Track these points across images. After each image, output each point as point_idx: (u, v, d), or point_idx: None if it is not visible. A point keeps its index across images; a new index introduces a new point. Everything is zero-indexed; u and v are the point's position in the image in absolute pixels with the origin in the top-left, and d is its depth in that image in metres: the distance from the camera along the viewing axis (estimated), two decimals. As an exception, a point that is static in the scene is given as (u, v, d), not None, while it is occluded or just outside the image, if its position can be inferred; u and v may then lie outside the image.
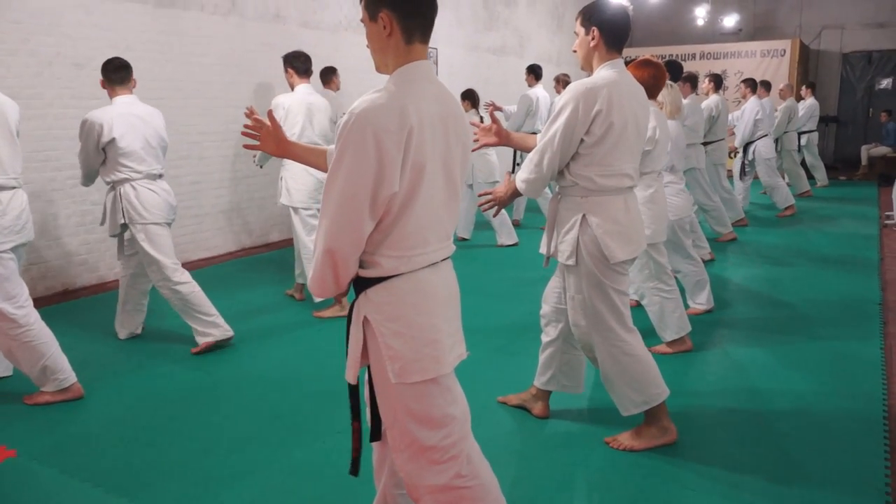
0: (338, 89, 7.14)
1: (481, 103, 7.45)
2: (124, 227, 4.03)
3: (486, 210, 3.02)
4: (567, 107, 2.65)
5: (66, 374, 3.45)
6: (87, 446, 3.04)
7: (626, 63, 2.89)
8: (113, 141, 3.80)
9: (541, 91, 8.01)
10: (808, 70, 13.27)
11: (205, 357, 4.04)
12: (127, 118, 3.85)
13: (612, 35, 2.73)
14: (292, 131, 4.66)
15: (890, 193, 8.44)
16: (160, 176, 4.04)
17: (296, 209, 4.83)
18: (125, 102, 3.91)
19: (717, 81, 7.47)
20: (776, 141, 9.23)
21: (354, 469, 1.93)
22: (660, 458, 2.87)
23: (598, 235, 2.72)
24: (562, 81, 8.26)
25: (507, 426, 3.18)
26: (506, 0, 11.13)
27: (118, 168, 3.88)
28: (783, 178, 9.44)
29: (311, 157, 2.16)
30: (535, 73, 8.06)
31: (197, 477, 2.77)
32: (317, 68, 5.26)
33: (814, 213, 8.96)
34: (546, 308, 3.13)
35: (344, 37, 7.92)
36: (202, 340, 4.09)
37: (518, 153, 7.83)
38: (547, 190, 7.02)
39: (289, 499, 2.62)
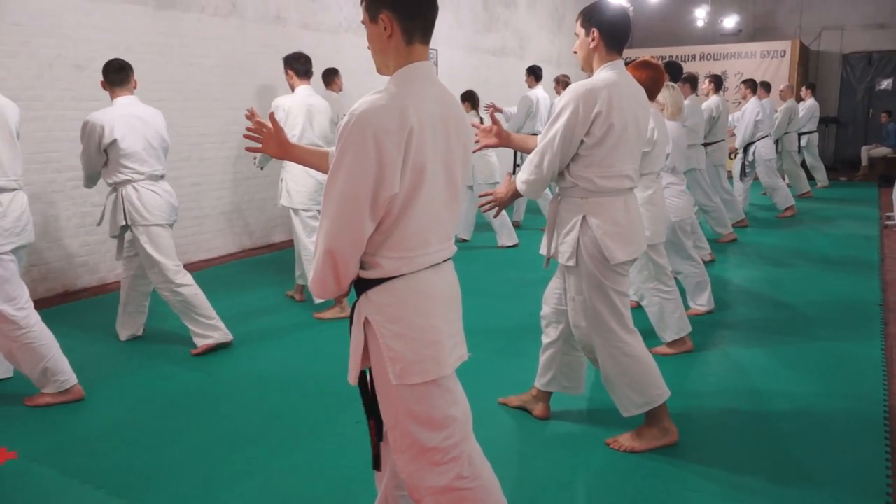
0: (340, 90, 7.15)
1: (481, 104, 7.45)
2: (124, 228, 4.03)
3: (486, 211, 3.03)
4: (567, 108, 2.66)
5: (67, 375, 3.45)
6: (88, 448, 3.03)
7: (626, 64, 2.89)
8: (114, 142, 3.80)
9: (541, 92, 8.02)
10: (808, 71, 13.27)
11: (205, 358, 4.04)
12: (128, 119, 3.85)
13: (613, 36, 2.73)
14: (292, 133, 4.66)
15: (890, 194, 8.43)
16: (162, 177, 4.05)
17: (296, 210, 4.83)
18: (126, 103, 3.91)
19: (718, 82, 7.47)
20: (776, 142, 9.23)
21: (377, 464, 1.93)
22: (661, 459, 2.86)
23: (599, 236, 2.72)
24: (562, 83, 8.26)
25: (507, 427, 3.18)
26: (506, 1, 11.14)
27: (120, 169, 3.88)
28: (783, 178, 9.44)
29: (312, 158, 2.16)
30: (535, 74, 8.07)
31: (197, 478, 2.77)
32: (317, 70, 5.26)
33: (814, 213, 8.96)
34: (546, 309, 3.13)
35: (344, 38, 7.92)
36: (202, 343, 4.09)
37: (518, 154, 7.83)
38: (547, 191, 7.04)
39: (289, 500, 2.62)
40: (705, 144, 6.94)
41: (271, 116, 2.14)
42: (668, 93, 4.43)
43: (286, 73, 4.92)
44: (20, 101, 4.26)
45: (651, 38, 14.36)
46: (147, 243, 3.96)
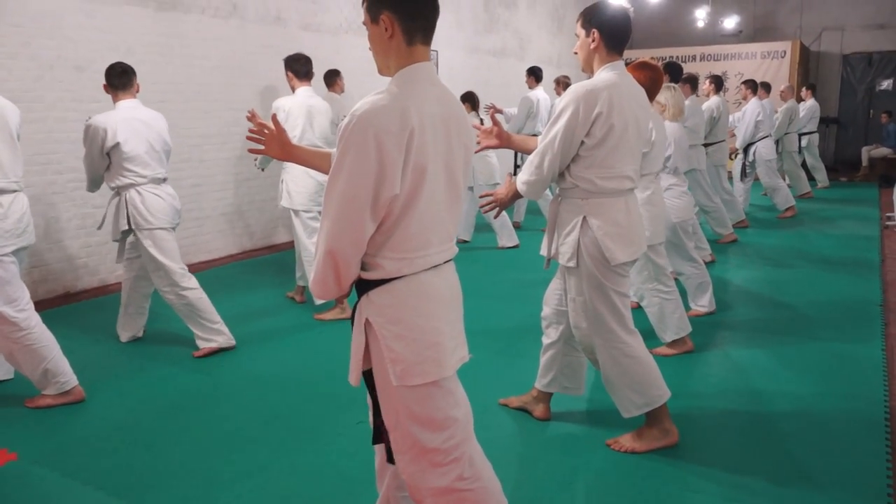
0: (342, 91, 7.15)
1: (481, 105, 7.46)
2: (126, 232, 4.02)
3: (486, 212, 3.03)
4: (567, 109, 2.66)
5: (68, 377, 3.45)
6: (89, 449, 3.03)
7: (625, 65, 2.89)
8: (117, 145, 3.80)
9: (541, 93, 8.02)
10: (808, 71, 13.27)
11: (206, 360, 4.05)
12: (131, 122, 3.85)
13: (613, 37, 2.73)
14: (293, 134, 4.66)
15: (891, 195, 8.44)
16: (164, 180, 4.04)
17: (296, 212, 4.83)
18: (128, 107, 3.91)
19: (718, 83, 7.47)
20: (777, 142, 9.23)
21: (391, 457, 1.93)
22: (661, 459, 2.86)
23: (599, 237, 2.72)
24: (562, 83, 8.27)
25: (508, 428, 3.18)
26: (506, 2, 11.15)
27: (123, 173, 3.88)
28: (784, 179, 9.44)
29: (314, 159, 2.16)
30: (535, 75, 8.07)
31: (198, 478, 2.77)
32: (318, 71, 5.26)
33: (814, 214, 8.96)
34: (547, 310, 3.13)
35: (344, 39, 7.93)
36: (205, 345, 4.09)
37: (519, 155, 7.83)
38: (547, 192, 7.04)
39: (290, 500, 2.62)
40: (706, 145, 6.95)
41: (273, 118, 2.15)
42: (669, 94, 4.44)
43: (286, 74, 4.92)
44: (21, 102, 4.26)
45: (651, 38, 14.37)
46: (151, 247, 3.96)
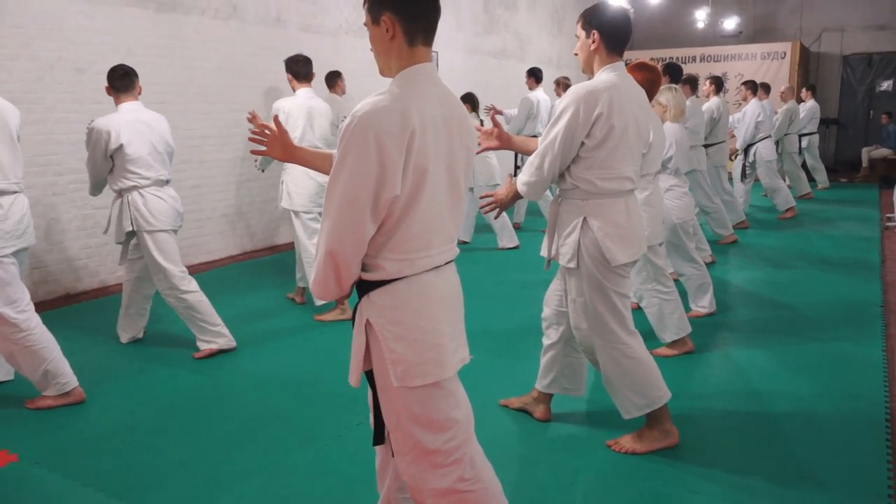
0: (343, 93, 7.15)
1: (481, 107, 7.46)
2: (130, 234, 4.02)
3: (487, 213, 3.03)
4: (568, 110, 2.66)
5: (68, 378, 3.45)
6: (89, 450, 3.03)
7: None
8: (120, 148, 3.80)
9: (541, 94, 8.02)
10: (808, 72, 13.28)
11: (206, 361, 4.05)
12: (133, 125, 3.85)
13: (613, 38, 2.73)
14: (293, 135, 4.66)
15: (891, 195, 8.43)
16: (167, 182, 4.04)
17: (297, 213, 4.83)
18: (130, 109, 3.91)
19: (718, 84, 7.47)
20: (777, 143, 9.23)
21: (378, 439, 1.93)
22: (662, 460, 2.86)
23: (599, 238, 2.72)
24: (562, 84, 8.27)
25: (508, 429, 3.18)
26: (506, 3, 11.15)
27: (126, 175, 3.88)
28: (784, 180, 9.44)
29: (316, 160, 2.16)
30: (535, 76, 8.07)
31: (198, 479, 2.77)
32: (317, 72, 5.26)
33: (815, 215, 8.96)
34: (547, 311, 3.13)
35: (344, 40, 7.93)
36: (205, 347, 4.09)
37: (519, 156, 7.84)
38: (548, 192, 7.03)
39: (290, 501, 2.62)
40: (706, 146, 6.95)
41: (275, 119, 2.15)
42: (670, 94, 4.44)
43: (287, 75, 4.92)
44: (21, 103, 4.27)
45: (651, 39, 14.37)
46: (153, 249, 3.96)
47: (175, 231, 4.08)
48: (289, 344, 4.36)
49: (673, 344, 4.03)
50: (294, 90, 4.88)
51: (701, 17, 13.43)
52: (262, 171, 5.49)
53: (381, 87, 1.71)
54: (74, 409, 3.44)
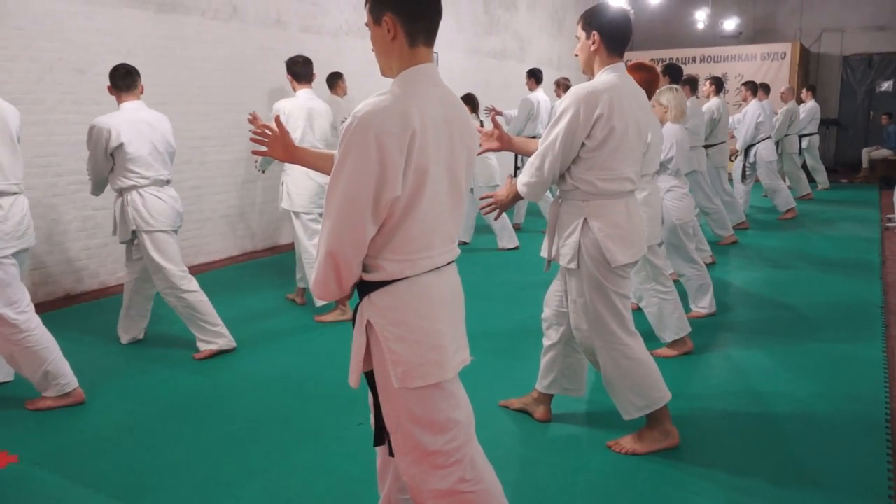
0: (345, 94, 7.15)
1: (481, 107, 7.46)
2: (135, 234, 4.02)
3: (487, 213, 3.03)
4: (568, 111, 2.66)
5: (68, 378, 3.45)
6: (89, 451, 3.03)
7: (624, 66, 2.89)
8: (121, 146, 3.80)
9: (541, 95, 8.02)
10: (808, 73, 13.28)
11: (206, 362, 4.04)
12: (135, 124, 3.85)
13: (613, 39, 2.73)
14: (293, 136, 4.56)
15: (891, 196, 8.43)
16: (167, 182, 4.04)
17: (297, 213, 4.83)
18: (132, 108, 3.91)
19: (718, 84, 7.47)
20: (777, 144, 9.24)
21: (392, 451, 1.93)
22: (662, 461, 2.86)
23: (600, 239, 2.72)
24: (562, 85, 8.28)
25: (508, 430, 3.18)
26: (506, 4, 11.16)
27: (126, 174, 3.88)
28: (784, 181, 9.44)
29: (317, 161, 2.16)
30: (535, 76, 8.08)
31: (199, 481, 2.77)
32: (318, 73, 5.26)
33: (815, 216, 8.96)
34: (547, 312, 3.13)
35: (345, 41, 7.93)
36: (205, 348, 4.09)
37: (519, 157, 7.84)
38: (548, 193, 7.04)
39: (291, 502, 2.61)
40: (706, 146, 6.95)
41: (276, 120, 2.15)
42: (671, 95, 4.44)
43: (287, 76, 4.93)
44: (21, 104, 4.27)
45: (651, 40, 14.38)
46: (152, 249, 3.96)
47: (175, 231, 4.07)
48: (289, 345, 4.36)
49: (673, 344, 4.03)
50: (294, 91, 4.88)
51: (701, 17, 13.44)
52: (263, 171, 5.48)
53: (382, 88, 1.71)
54: (75, 410, 3.43)
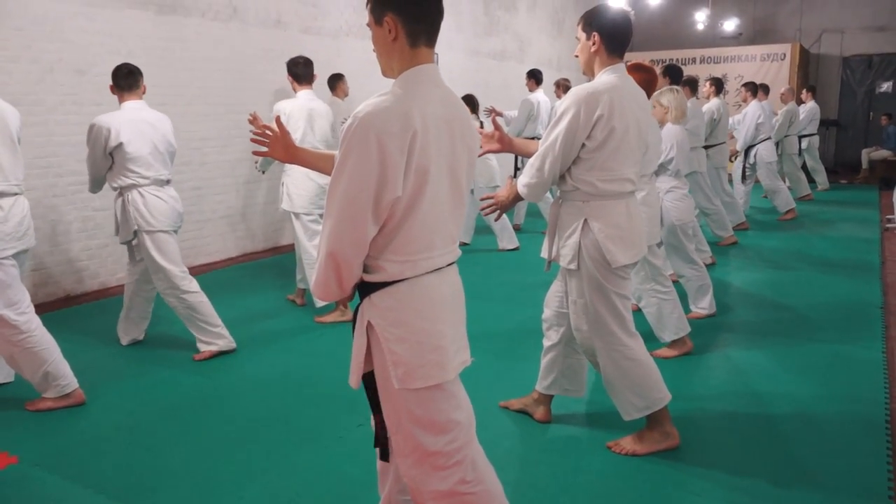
0: (345, 96, 7.14)
1: (481, 108, 7.46)
2: (136, 234, 4.02)
3: (487, 214, 3.03)
4: (569, 112, 2.66)
5: (68, 379, 3.45)
6: (89, 452, 3.03)
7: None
8: (120, 146, 3.80)
9: (541, 96, 8.03)
10: (808, 74, 13.29)
11: (206, 362, 4.04)
12: (136, 124, 3.85)
13: (614, 40, 2.73)
14: (293, 136, 4.58)
15: (891, 197, 8.44)
16: (168, 182, 4.04)
17: (297, 214, 4.83)
18: (133, 108, 3.91)
19: (718, 85, 7.48)
20: (777, 145, 9.24)
21: (385, 455, 1.94)
22: (662, 462, 2.86)
23: (600, 240, 2.72)
24: (562, 86, 8.28)
25: (508, 431, 3.18)
26: (506, 5, 11.16)
27: (125, 174, 3.88)
28: (784, 181, 9.45)
29: (318, 162, 2.16)
30: (535, 77, 8.08)
31: (199, 481, 2.77)
32: (318, 74, 5.26)
33: (815, 216, 8.96)
34: (548, 312, 3.13)
35: (345, 42, 7.93)
36: (205, 349, 4.09)
37: (519, 158, 7.84)
38: (548, 194, 7.04)
39: (291, 502, 2.62)
40: (706, 147, 6.95)
41: (277, 120, 2.14)
42: (671, 96, 4.45)
43: (288, 77, 4.93)
44: (21, 105, 4.27)
45: (651, 41, 14.38)
46: (152, 249, 3.96)
47: (175, 231, 4.07)
48: (289, 345, 4.36)
49: (672, 344, 4.03)
50: (295, 92, 4.88)
51: (701, 18, 13.45)
52: (263, 172, 5.49)
53: (382, 89, 1.71)
54: (75, 411, 3.43)
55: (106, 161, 3.87)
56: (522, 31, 11.79)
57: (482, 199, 3.05)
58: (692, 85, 6.49)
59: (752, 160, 8.68)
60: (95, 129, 3.79)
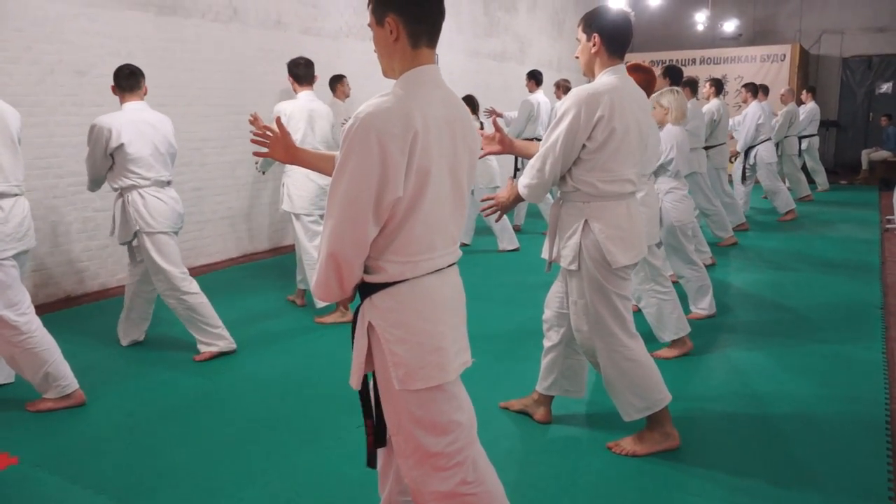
0: (346, 97, 7.14)
1: (482, 109, 7.46)
2: (136, 235, 4.02)
3: (488, 215, 3.03)
4: (569, 112, 2.66)
5: (69, 380, 3.45)
6: (90, 453, 3.03)
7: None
8: (121, 147, 3.80)
9: (542, 96, 8.03)
10: (808, 75, 13.29)
11: (206, 363, 4.04)
12: (137, 125, 3.85)
13: (614, 41, 2.74)
14: (294, 137, 4.59)
15: (891, 198, 8.43)
16: (168, 183, 4.03)
17: (297, 215, 4.83)
18: (135, 109, 3.91)
19: (718, 86, 7.48)
20: (777, 146, 9.24)
21: (372, 462, 1.94)
22: (662, 463, 2.86)
23: (601, 240, 2.72)
24: (562, 87, 8.28)
25: (509, 431, 3.18)
26: (506, 6, 11.17)
27: (126, 174, 3.88)
28: (784, 182, 9.45)
29: (319, 162, 2.16)
30: (535, 78, 8.08)
31: (199, 482, 2.77)
32: (318, 75, 5.27)
33: (815, 217, 8.96)
34: (548, 313, 3.13)
35: (345, 43, 7.94)
36: (205, 350, 4.09)
37: (519, 159, 7.84)
38: (548, 195, 7.04)
39: (291, 503, 2.62)
40: (706, 148, 6.96)
41: (277, 121, 2.15)
42: (672, 97, 4.45)
43: (289, 78, 4.93)
44: (22, 106, 4.27)
45: (651, 42, 14.39)
46: (152, 250, 3.95)
47: (175, 233, 4.07)
48: (289, 346, 4.36)
49: (673, 344, 4.04)
50: (296, 93, 4.88)
51: (701, 19, 13.46)
52: (263, 173, 5.49)
53: (382, 90, 1.71)
54: (75, 412, 3.44)
55: (106, 162, 3.87)
56: (522, 32, 11.80)
57: (483, 200, 3.05)
58: (692, 86, 6.50)
59: (752, 161, 8.68)
60: (96, 130, 3.79)
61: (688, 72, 10.85)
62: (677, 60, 12.77)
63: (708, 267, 5.65)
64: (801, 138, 10.38)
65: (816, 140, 11.16)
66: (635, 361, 2.84)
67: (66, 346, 3.60)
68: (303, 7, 7.37)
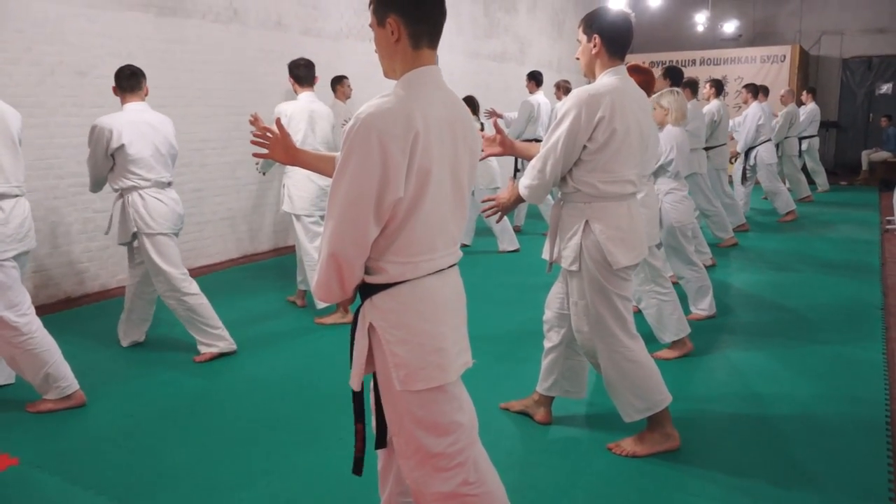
0: (346, 98, 7.14)
1: (482, 110, 7.47)
2: (135, 236, 4.02)
3: (489, 216, 3.03)
4: (570, 113, 2.66)
5: (69, 381, 3.45)
6: (90, 454, 3.03)
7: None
8: (122, 147, 3.80)
9: (542, 97, 8.03)
10: (808, 75, 13.30)
11: (207, 364, 4.04)
12: (137, 125, 3.85)
13: (614, 42, 2.74)
14: (294, 138, 4.60)
15: (891, 198, 8.43)
16: (168, 184, 4.04)
17: (298, 216, 4.84)
18: (136, 109, 3.91)
19: (718, 87, 7.49)
20: (777, 146, 9.25)
21: (358, 469, 1.93)
22: (663, 463, 2.86)
23: (602, 241, 2.73)
24: (562, 88, 8.28)
25: (509, 432, 3.18)
26: (506, 7, 11.17)
27: (126, 175, 3.88)
28: (784, 183, 9.45)
29: (319, 163, 2.16)
30: (535, 79, 8.08)
31: (199, 483, 2.77)
32: (319, 76, 5.27)
33: (815, 218, 8.96)
34: (549, 314, 3.13)
35: (345, 44, 7.94)
36: (206, 350, 4.09)
37: (519, 160, 7.84)
38: (549, 196, 7.04)
39: (292, 506, 2.62)
40: (706, 149, 6.96)
41: (277, 122, 2.14)
42: (672, 98, 4.45)
43: (289, 79, 4.94)
44: (22, 107, 4.27)
45: (652, 43, 14.39)
46: (152, 251, 3.95)
47: (176, 234, 4.07)
48: (290, 347, 4.36)
49: (673, 345, 4.04)
50: (296, 94, 4.89)
51: (701, 20, 13.46)
52: (263, 174, 5.49)
53: (383, 91, 1.71)
54: (75, 413, 3.44)
55: (107, 162, 3.87)
56: (523, 33, 11.80)
57: (483, 201, 3.06)
58: (692, 86, 6.50)
59: (752, 162, 8.68)
60: (97, 131, 3.79)
61: (688, 73, 10.85)
62: (677, 61, 12.77)
63: (708, 268, 5.65)
64: (801, 139, 10.38)
65: (816, 141, 11.17)
66: (636, 362, 2.84)
67: (67, 347, 3.60)
68: (303, 8, 7.37)
